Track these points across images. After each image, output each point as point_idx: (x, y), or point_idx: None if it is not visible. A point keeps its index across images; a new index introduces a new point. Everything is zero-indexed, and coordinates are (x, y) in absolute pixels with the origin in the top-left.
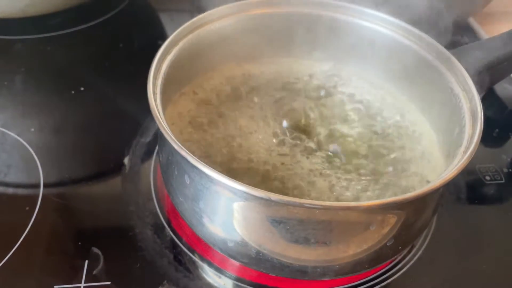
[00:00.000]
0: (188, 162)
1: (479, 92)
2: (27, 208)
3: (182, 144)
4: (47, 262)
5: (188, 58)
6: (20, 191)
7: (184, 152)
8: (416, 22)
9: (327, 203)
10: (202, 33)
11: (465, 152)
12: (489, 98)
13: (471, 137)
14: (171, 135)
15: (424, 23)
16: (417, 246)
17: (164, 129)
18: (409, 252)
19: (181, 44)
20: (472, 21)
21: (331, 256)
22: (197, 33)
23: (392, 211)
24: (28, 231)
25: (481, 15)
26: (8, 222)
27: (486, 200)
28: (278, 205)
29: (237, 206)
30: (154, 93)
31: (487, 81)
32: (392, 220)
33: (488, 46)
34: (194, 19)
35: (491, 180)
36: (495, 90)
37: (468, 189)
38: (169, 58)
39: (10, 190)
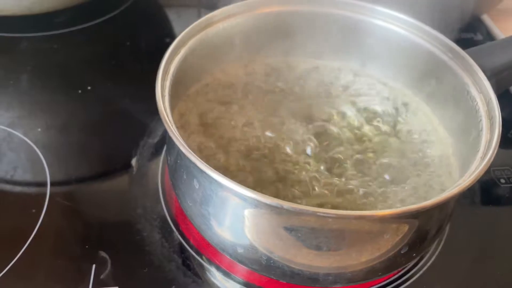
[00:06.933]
0: (197, 167)
1: (495, 94)
2: (33, 210)
3: (190, 147)
4: (53, 266)
5: (196, 58)
6: (27, 193)
7: (193, 158)
8: (429, 19)
9: (341, 212)
10: (210, 33)
11: (482, 159)
12: (503, 98)
13: (489, 142)
14: (180, 140)
15: (437, 19)
16: (430, 251)
17: (174, 134)
18: (422, 257)
19: (189, 44)
20: (486, 18)
21: (343, 263)
22: (205, 33)
23: (407, 220)
24: (35, 234)
25: (495, 12)
26: (15, 225)
27: (500, 203)
28: (290, 213)
29: (248, 213)
30: (163, 95)
31: (503, 83)
32: (406, 228)
33: (505, 46)
34: (202, 18)
35: (506, 183)
36: (509, 90)
37: (482, 192)
38: (177, 59)
39: (17, 193)
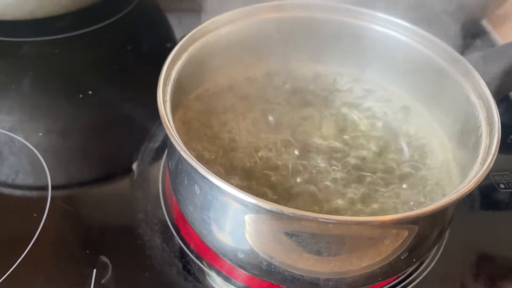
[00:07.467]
0: (199, 172)
1: (495, 99)
2: (35, 214)
3: (191, 152)
4: (55, 271)
5: (198, 64)
6: (28, 197)
7: (195, 163)
8: (427, 24)
9: (342, 218)
10: (211, 38)
11: (482, 164)
12: (503, 103)
13: (488, 148)
14: (182, 146)
15: (436, 25)
16: (430, 256)
17: (175, 139)
18: (422, 262)
19: (190, 49)
20: (485, 24)
21: (344, 269)
22: (206, 38)
23: (407, 225)
24: (36, 239)
25: (494, 18)
26: (16, 229)
27: (500, 208)
28: (291, 218)
29: (249, 218)
30: (164, 101)
31: (503, 89)
32: (406, 233)
33: (504, 52)
34: (203, 24)
35: (505, 188)
36: (508, 95)
37: (482, 197)
38: (178, 64)
39: (18, 197)
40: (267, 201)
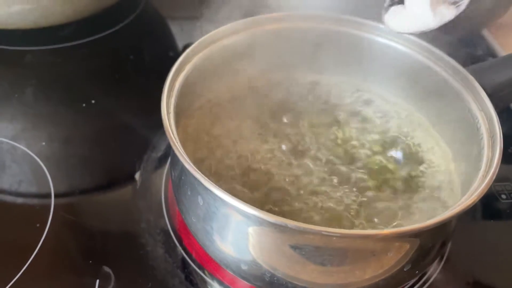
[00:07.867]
0: (202, 184)
1: (496, 111)
2: (38, 224)
3: (194, 163)
4: (57, 281)
5: (201, 75)
6: (31, 207)
7: (198, 175)
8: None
9: (345, 231)
10: (214, 49)
11: (484, 177)
12: (504, 113)
13: (490, 160)
14: (186, 158)
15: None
16: (432, 267)
17: (179, 151)
18: (424, 273)
19: (193, 60)
20: (486, 33)
21: (346, 281)
22: (209, 50)
23: (410, 238)
24: (39, 249)
25: (495, 27)
26: (19, 239)
27: (502, 219)
28: (295, 231)
29: (252, 230)
30: (168, 113)
31: (504, 100)
32: (409, 246)
33: (506, 64)
34: (207, 35)
35: (507, 198)
36: (510, 106)
37: (484, 208)
38: (182, 75)
39: (21, 206)
40: (271, 214)
